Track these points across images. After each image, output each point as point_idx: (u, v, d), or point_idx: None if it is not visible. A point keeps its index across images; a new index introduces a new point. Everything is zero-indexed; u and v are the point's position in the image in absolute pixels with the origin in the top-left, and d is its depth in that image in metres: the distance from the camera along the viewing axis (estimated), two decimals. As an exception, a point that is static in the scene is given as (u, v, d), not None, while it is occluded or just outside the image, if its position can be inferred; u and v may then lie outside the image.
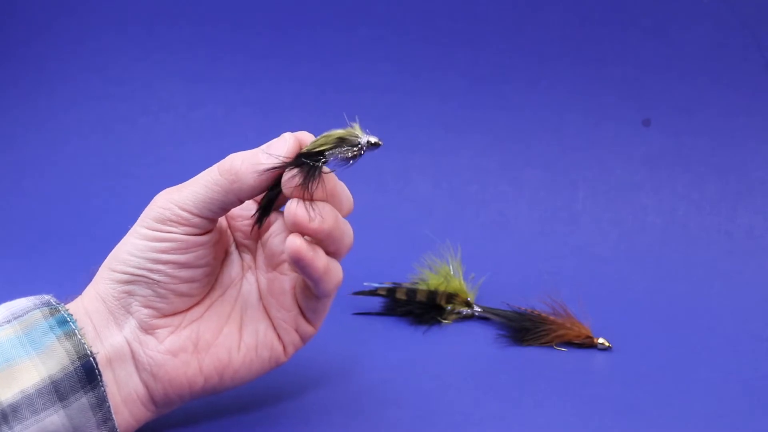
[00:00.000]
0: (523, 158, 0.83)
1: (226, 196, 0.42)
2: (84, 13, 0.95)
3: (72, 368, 0.40)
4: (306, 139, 0.44)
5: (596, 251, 0.76)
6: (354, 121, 0.42)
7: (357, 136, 0.42)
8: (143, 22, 0.94)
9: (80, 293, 0.45)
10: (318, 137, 0.43)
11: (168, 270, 0.43)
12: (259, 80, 0.90)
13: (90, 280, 0.45)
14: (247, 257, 0.47)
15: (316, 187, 0.42)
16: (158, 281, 0.43)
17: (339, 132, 0.43)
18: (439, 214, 0.81)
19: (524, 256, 0.76)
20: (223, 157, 0.43)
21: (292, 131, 0.43)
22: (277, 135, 0.43)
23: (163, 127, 0.92)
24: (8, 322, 0.41)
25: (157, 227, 0.42)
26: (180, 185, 0.43)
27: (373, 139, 0.42)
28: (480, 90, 0.84)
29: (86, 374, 0.41)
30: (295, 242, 0.42)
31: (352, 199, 0.45)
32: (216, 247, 0.45)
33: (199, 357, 0.44)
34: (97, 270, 0.44)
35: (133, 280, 0.43)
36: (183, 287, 0.44)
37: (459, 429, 0.49)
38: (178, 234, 0.42)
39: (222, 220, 0.46)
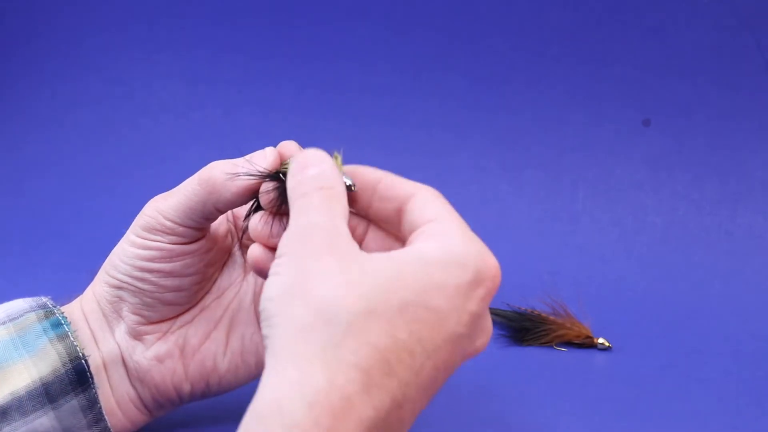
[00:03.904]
0: (523, 158, 0.82)
1: (205, 206, 0.41)
2: (84, 12, 0.95)
3: (63, 370, 0.40)
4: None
5: (596, 251, 0.76)
6: (339, 151, 0.38)
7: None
8: (143, 22, 0.94)
9: (81, 293, 0.45)
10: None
11: (153, 278, 0.42)
12: (259, 80, 0.90)
13: (90, 281, 0.45)
14: None
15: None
16: (144, 290, 0.42)
17: None
18: (439, 214, 0.81)
19: (524, 256, 0.76)
20: (223, 157, 0.42)
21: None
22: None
23: (163, 128, 0.91)
24: (3, 324, 0.41)
25: (144, 235, 0.42)
26: (168, 192, 0.42)
27: (347, 182, 0.38)
28: (480, 90, 0.84)
29: (77, 376, 0.41)
30: (254, 252, 0.39)
31: None
32: (208, 255, 0.44)
33: (184, 363, 0.44)
34: (98, 271, 0.44)
35: (122, 286, 0.42)
36: (169, 296, 0.43)
37: (459, 429, 0.49)
38: (163, 243, 0.42)
39: (220, 226, 0.45)
